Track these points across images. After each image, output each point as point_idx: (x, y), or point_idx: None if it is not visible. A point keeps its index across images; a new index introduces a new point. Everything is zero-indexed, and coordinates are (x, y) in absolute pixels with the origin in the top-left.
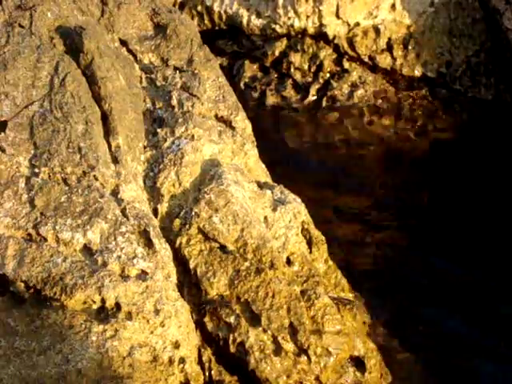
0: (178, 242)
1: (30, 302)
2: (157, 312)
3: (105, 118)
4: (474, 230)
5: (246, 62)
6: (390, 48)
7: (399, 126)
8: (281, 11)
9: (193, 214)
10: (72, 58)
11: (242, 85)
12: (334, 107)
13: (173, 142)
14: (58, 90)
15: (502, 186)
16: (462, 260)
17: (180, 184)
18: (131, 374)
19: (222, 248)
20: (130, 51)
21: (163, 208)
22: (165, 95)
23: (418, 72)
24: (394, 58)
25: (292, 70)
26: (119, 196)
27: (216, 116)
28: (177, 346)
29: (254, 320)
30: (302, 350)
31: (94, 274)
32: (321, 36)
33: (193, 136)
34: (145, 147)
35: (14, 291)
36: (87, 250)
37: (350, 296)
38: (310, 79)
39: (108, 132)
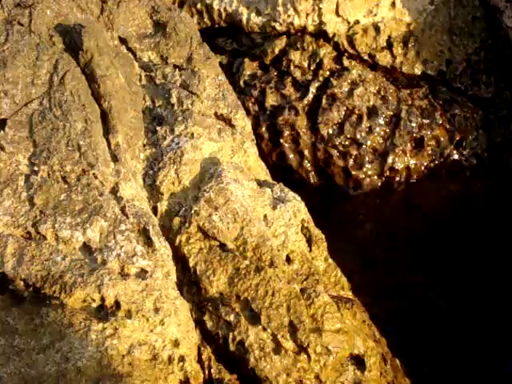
0: (177, 240)
1: (29, 300)
2: (156, 310)
3: (104, 116)
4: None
5: (246, 60)
6: (389, 46)
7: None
8: (280, 9)
9: (192, 212)
10: (71, 56)
11: (241, 83)
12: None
13: (172, 140)
14: (57, 88)
15: None
16: (461, 261)
17: (179, 182)
18: (131, 373)
19: (222, 246)
20: (129, 49)
21: (163, 206)
22: (164, 93)
23: (418, 70)
24: (393, 56)
25: (292, 67)
26: (119, 194)
27: (216, 114)
28: (176, 344)
29: (254, 318)
30: (301, 349)
31: (94, 272)
32: (320, 34)
33: (192, 134)
34: (144, 145)
35: (13, 289)
36: (87, 248)
37: (350, 294)
38: (309, 77)
39: (107, 130)
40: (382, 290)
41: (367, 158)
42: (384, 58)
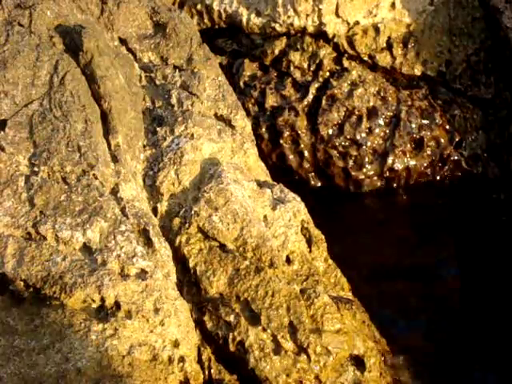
0: (177, 240)
1: (29, 300)
2: (156, 311)
3: (104, 116)
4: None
5: (246, 61)
6: (389, 47)
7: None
8: (280, 10)
9: (192, 212)
10: (71, 57)
11: (241, 83)
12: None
13: (172, 141)
14: (57, 89)
15: None
16: (460, 263)
17: (179, 183)
18: (131, 373)
19: (222, 247)
20: (129, 50)
21: (163, 207)
22: (164, 94)
23: (417, 71)
24: (393, 57)
25: (292, 68)
26: (119, 195)
27: (216, 115)
28: (176, 344)
29: (254, 319)
30: (301, 349)
31: (94, 272)
32: (320, 35)
33: (192, 135)
34: (144, 146)
35: (13, 290)
36: (87, 248)
37: (350, 295)
38: (309, 78)
39: (107, 131)
40: (382, 290)
41: (367, 159)
42: (384, 59)
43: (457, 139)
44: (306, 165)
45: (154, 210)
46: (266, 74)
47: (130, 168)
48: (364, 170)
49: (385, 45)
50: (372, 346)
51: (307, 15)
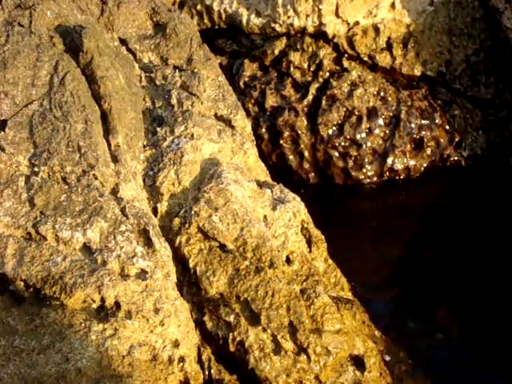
0: (177, 241)
1: (29, 301)
2: (156, 311)
3: (104, 117)
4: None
5: (246, 61)
6: (389, 47)
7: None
8: (280, 10)
9: (192, 212)
10: (71, 57)
11: (241, 84)
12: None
13: (172, 141)
14: (57, 89)
15: None
16: (460, 259)
17: (179, 183)
18: (131, 373)
19: (222, 247)
20: (129, 50)
21: (163, 207)
22: (164, 94)
23: (417, 71)
24: (393, 57)
25: (291, 69)
26: (119, 195)
27: (215, 115)
28: (176, 344)
29: (254, 319)
30: (301, 349)
31: (94, 273)
32: (320, 35)
33: (192, 135)
34: (144, 146)
35: (13, 290)
36: (87, 248)
37: (350, 295)
38: (309, 78)
39: (107, 131)
40: (381, 290)
41: (367, 159)
42: (384, 59)
43: (457, 139)
44: (306, 165)
45: (154, 210)
46: (266, 75)
47: (130, 168)
48: (364, 170)
49: (385, 45)
50: (372, 346)
51: (307, 15)
